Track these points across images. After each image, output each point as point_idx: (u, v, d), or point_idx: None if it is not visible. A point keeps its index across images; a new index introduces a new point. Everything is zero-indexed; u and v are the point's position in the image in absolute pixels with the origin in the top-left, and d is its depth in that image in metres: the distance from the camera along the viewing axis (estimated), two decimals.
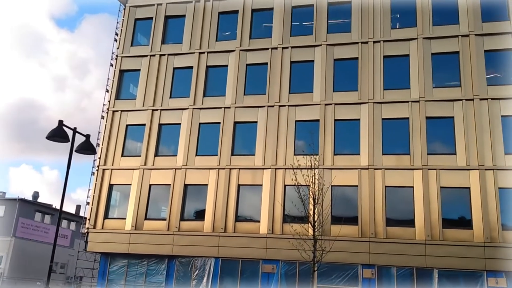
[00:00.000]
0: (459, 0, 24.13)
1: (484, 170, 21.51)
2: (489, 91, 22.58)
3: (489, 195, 21.16)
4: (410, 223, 21.82)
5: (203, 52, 27.13)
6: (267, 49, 26.11)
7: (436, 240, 21.13)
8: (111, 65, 29.23)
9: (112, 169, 26.48)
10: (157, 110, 26.86)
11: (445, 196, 21.79)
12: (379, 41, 24.63)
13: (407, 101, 23.40)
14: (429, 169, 22.17)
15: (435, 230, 21.30)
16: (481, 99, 22.47)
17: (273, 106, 25.05)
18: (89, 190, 27.00)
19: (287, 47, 25.85)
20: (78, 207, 51.39)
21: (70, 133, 11.93)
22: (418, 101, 23.25)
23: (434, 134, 22.83)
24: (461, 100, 22.72)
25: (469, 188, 21.58)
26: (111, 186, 26.39)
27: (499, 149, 21.66)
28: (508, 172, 21.30)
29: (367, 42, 24.79)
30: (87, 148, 12.29)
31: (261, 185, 24.00)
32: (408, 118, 23.21)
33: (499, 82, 22.76)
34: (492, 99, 22.39)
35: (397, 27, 24.91)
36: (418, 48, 23.94)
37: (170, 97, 27.01)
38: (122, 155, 26.69)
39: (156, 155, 26.14)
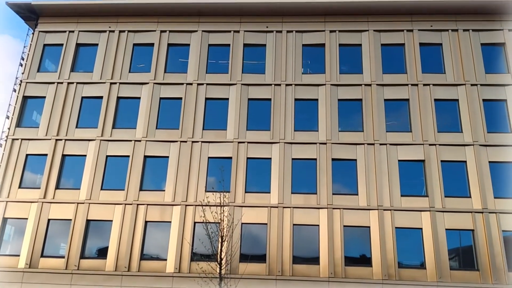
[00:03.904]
0: (363, 52, 26.19)
1: (382, 210, 22.91)
2: (388, 137, 24.39)
3: (386, 234, 22.48)
4: (315, 260, 22.39)
5: (115, 83, 26.43)
6: (182, 84, 26.12)
7: (338, 277, 21.83)
8: (14, 90, 27.36)
9: (7, 201, 24.34)
10: (61, 140, 25.41)
11: (347, 235, 22.76)
12: (291, 84, 25.75)
13: (315, 143, 24.48)
14: (333, 208, 23.13)
15: (338, 268, 22.03)
16: (380, 144, 24.19)
17: (186, 142, 24.86)
18: None
19: (202, 84, 26.07)
20: None
21: None
22: (325, 143, 24.41)
23: (338, 175, 23.98)
24: (363, 144, 24.27)
25: (369, 227, 22.78)
26: (5, 220, 24.21)
27: (396, 191, 23.27)
28: (404, 212, 22.86)
29: (280, 84, 25.80)
30: None
31: (170, 222, 23.37)
32: (316, 159, 24.22)
33: (397, 129, 24.72)
34: (390, 144, 24.18)
35: (308, 72, 26.30)
36: (326, 93, 25.37)
37: (76, 127, 25.74)
38: (20, 187, 24.68)
39: (57, 187, 24.51)
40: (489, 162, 23.45)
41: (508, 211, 22.52)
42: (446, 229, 22.44)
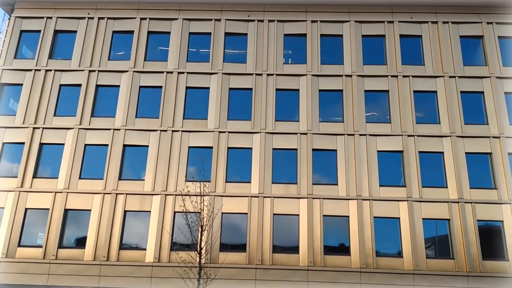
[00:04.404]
0: (344, 43, 26.27)
1: (361, 200, 23.17)
2: (367, 128, 24.61)
3: (365, 224, 22.77)
4: (295, 249, 22.58)
5: (94, 70, 26.02)
6: (162, 72, 25.86)
7: (317, 266, 22.07)
8: None
9: None
10: (38, 128, 24.97)
11: (327, 224, 22.98)
12: (272, 74, 25.71)
13: (296, 133, 24.55)
14: (313, 198, 23.30)
15: (317, 257, 22.27)
16: (360, 135, 24.39)
17: (166, 131, 24.67)
18: None
19: (183, 72, 25.84)
20: None
21: None
22: (305, 134, 24.51)
23: (319, 165, 24.14)
24: (343, 134, 24.44)
25: (348, 216, 23.04)
26: None
27: (374, 181, 23.55)
28: (382, 202, 23.18)
29: (261, 74, 25.73)
30: None
31: (150, 211, 23.26)
32: (296, 149, 24.31)
33: (376, 120, 24.95)
34: (370, 135, 24.40)
35: (289, 62, 26.28)
36: (307, 84, 25.42)
37: (54, 115, 25.32)
38: None
39: (34, 176, 24.14)
40: (466, 153, 23.89)
41: (483, 201, 23.02)
42: (423, 219, 22.84)
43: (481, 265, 21.94)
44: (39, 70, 26.21)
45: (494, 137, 24.09)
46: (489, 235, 22.75)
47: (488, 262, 22.06)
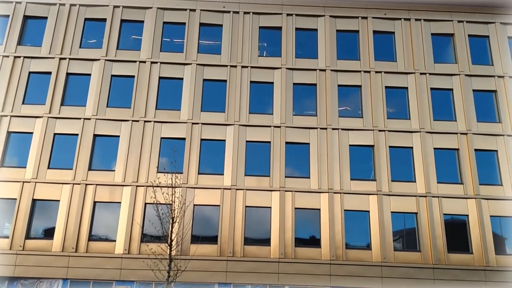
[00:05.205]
0: (318, 37, 26.40)
1: (333, 193, 23.47)
2: (340, 122, 24.87)
3: (336, 216, 23.09)
4: (266, 242, 22.73)
5: (64, 58, 25.43)
6: (134, 61, 25.47)
7: (288, 258, 22.29)
8: None
9: None
10: (6, 116, 24.30)
11: (298, 217, 23.21)
12: (247, 66, 25.66)
13: (270, 126, 24.62)
14: (285, 190, 23.47)
15: (288, 249, 22.48)
16: (333, 129, 24.64)
17: (138, 121, 24.37)
18: None
19: (156, 62, 25.52)
20: None
21: None
22: (279, 127, 24.60)
23: (291, 158, 24.29)
24: (316, 128, 24.64)
25: (320, 209, 23.31)
26: None
27: (346, 174, 23.87)
28: (353, 195, 23.53)
29: (235, 66, 25.65)
30: None
31: (120, 202, 23.00)
32: (270, 142, 24.39)
33: (349, 114, 25.23)
34: (342, 129, 24.68)
35: (264, 55, 26.26)
36: (282, 77, 25.47)
37: (23, 103, 24.67)
38: None
39: (1, 165, 23.55)
40: (434, 148, 24.44)
41: (450, 195, 23.63)
42: (391, 212, 23.31)
43: (446, 257, 22.56)
44: (7, 56, 25.46)
45: (461, 133, 24.70)
46: (455, 228, 23.41)
47: (453, 254, 22.70)
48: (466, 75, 25.82)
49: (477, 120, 25.06)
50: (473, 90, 25.64)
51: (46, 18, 26.37)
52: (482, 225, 23.01)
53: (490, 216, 23.32)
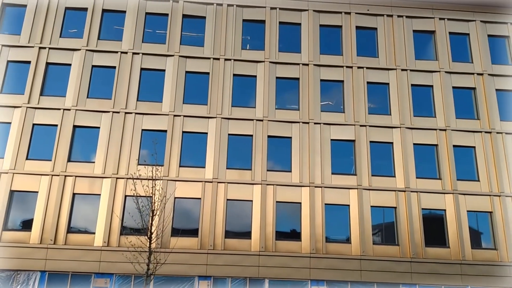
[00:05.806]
0: (302, 31, 26.42)
1: (314, 187, 23.62)
2: (322, 117, 25.00)
3: (316, 210, 23.26)
4: (247, 235, 22.80)
5: (44, 47, 24.96)
6: (116, 52, 25.14)
7: (269, 251, 22.41)
8: None
9: None
10: None
11: (279, 210, 23.32)
12: (230, 59, 25.55)
13: (252, 119, 24.61)
14: (267, 184, 23.54)
15: (268, 242, 22.59)
16: (315, 123, 24.76)
17: (118, 112, 24.10)
18: None
19: (138, 53, 25.23)
20: None
21: None
22: (261, 120, 24.61)
23: (273, 152, 24.35)
24: (299, 122, 24.73)
25: (301, 203, 23.46)
26: None
27: (327, 169, 24.04)
28: (333, 189, 23.72)
29: (218, 59, 25.52)
30: None
31: (99, 194, 22.77)
32: (252, 135, 24.39)
33: (331, 109, 25.39)
34: (324, 124, 24.82)
35: (247, 48, 26.18)
36: (265, 71, 25.45)
37: (1, 93, 24.18)
38: None
39: None
40: (414, 144, 24.77)
41: (428, 190, 24.01)
42: (371, 206, 23.59)
43: (423, 251, 22.97)
44: None
45: (440, 129, 25.08)
46: (432, 223, 23.82)
47: (430, 248, 23.12)
48: (446, 72, 26.19)
49: (456, 117, 25.48)
50: (453, 87, 26.04)
51: (25, 6, 25.81)
52: (459, 220, 23.47)
53: (467, 211, 23.80)
